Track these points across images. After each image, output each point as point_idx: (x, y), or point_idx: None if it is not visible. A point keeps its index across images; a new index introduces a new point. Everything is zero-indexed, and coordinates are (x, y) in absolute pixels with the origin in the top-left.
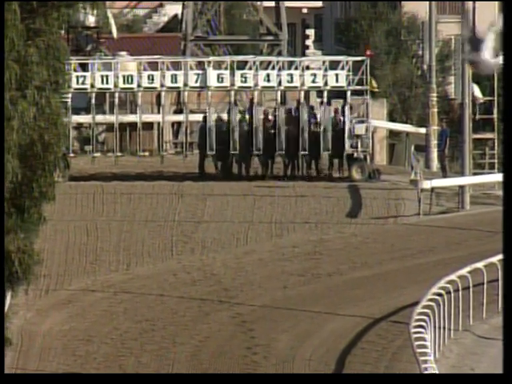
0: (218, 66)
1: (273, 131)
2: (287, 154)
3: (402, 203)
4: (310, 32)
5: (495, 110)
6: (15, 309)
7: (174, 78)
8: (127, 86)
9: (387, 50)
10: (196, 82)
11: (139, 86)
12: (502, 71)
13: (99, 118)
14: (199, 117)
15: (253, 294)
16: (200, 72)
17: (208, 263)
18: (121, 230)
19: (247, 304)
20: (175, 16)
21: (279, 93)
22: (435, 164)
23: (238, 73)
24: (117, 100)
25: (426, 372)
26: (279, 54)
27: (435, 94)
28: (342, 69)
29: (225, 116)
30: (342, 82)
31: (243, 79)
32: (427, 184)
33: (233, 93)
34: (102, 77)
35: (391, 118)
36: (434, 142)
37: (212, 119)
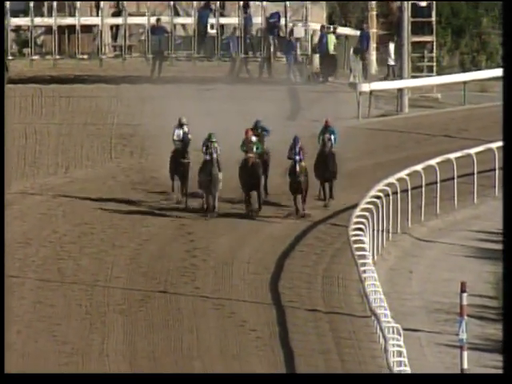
0: None
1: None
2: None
3: (340, 106)
4: None
5: (433, 13)
6: None
7: None
8: None
9: None
10: None
11: None
12: (503, 70)
13: (38, 20)
14: (138, 20)
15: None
16: None
17: (147, 166)
18: (59, 133)
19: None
20: None
21: None
22: (374, 67)
23: None
24: (55, 3)
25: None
26: None
27: None
28: None
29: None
30: None
31: None
32: (366, 87)
33: None
34: None
35: (330, 21)
36: (373, 45)
37: None
